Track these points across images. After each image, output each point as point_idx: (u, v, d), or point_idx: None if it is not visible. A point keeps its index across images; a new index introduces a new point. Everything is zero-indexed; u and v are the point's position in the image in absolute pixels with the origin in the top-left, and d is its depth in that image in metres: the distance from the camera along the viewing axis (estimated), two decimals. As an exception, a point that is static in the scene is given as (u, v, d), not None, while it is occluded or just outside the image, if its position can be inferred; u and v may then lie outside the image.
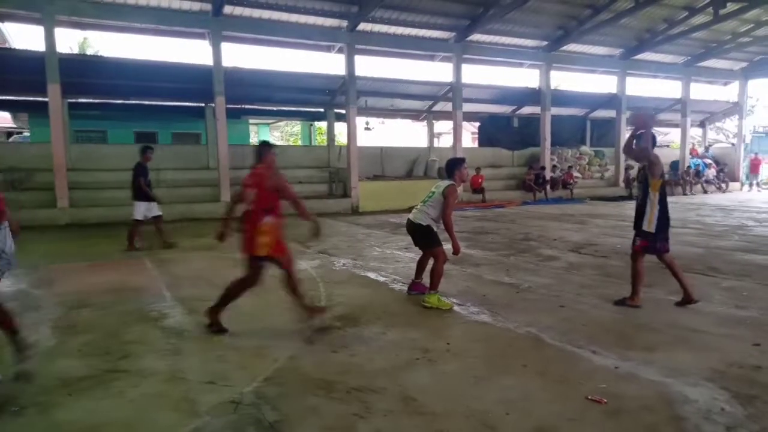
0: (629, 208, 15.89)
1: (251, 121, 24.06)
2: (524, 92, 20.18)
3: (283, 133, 38.92)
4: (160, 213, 8.85)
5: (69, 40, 29.30)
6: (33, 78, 12.58)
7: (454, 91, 17.53)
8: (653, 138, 5.22)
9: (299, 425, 2.86)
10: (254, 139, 27.06)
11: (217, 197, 14.27)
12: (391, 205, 15.23)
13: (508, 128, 22.07)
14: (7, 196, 7.57)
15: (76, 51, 25.28)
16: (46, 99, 12.32)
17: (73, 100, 15.80)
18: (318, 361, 3.79)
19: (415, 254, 8.06)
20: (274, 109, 20.35)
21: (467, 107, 18.80)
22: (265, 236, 4.20)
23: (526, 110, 21.96)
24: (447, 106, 19.17)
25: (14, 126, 25.22)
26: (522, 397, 3.20)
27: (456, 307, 5.11)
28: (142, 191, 8.62)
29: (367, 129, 21.50)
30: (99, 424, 2.90)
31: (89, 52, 25.81)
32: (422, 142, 24.14)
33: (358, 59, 15.63)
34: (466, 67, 17.60)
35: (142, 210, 8.63)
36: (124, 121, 18.83)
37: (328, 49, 16.07)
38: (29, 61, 12.86)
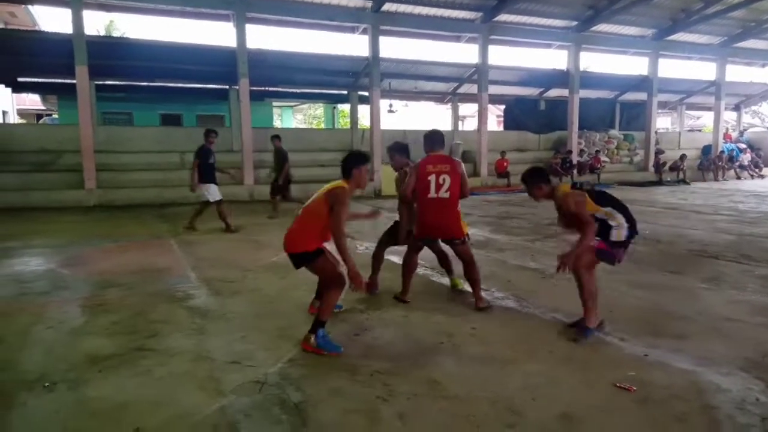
0: (659, 193, 15.57)
1: (274, 103, 24.09)
2: (552, 74, 19.76)
3: (306, 116, 38.97)
4: (220, 197, 8.91)
5: (96, 23, 29.56)
6: (61, 60, 12.77)
7: (479, 73, 17.25)
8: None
9: (323, 407, 2.86)
10: (277, 122, 27.14)
11: (240, 180, 14.36)
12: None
13: (535, 111, 21.67)
14: (37, 177, 7.66)
15: (102, 33, 25.54)
16: (74, 81, 12.49)
17: (101, 83, 16.01)
18: (341, 343, 3.78)
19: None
20: (298, 91, 20.32)
21: (493, 89, 18.50)
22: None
23: (554, 93, 21.53)
24: (472, 89, 18.89)
25: (44, 108, 25.72)
26: (548, 384, 3.15)
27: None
28: (210, 173, 8.71)
29: (391, 111, 21.36)
30: (127, 402, 2.94)
31: (115, 34, 26.05)
32: (446, 126, 23.89)
33: (383, 40, 15.47)
34: (492, 49, 17.29)
35: (214, 190, 8.73)
36: (150, 104, 19.03)
37: (353, 30, 15.93)
38: (57, 43, 13.03)
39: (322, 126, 30.41)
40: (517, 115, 21.79)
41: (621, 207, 3.94)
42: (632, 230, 3.90)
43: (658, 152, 20.52)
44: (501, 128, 26.01)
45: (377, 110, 15.76)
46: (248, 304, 4.73)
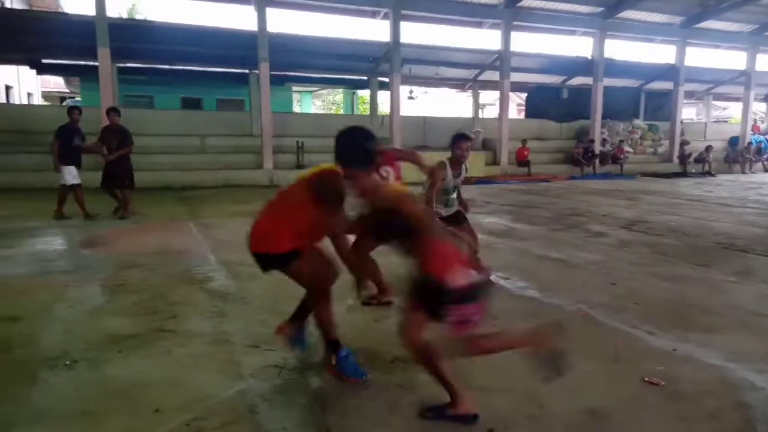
0: (684, 185, 15.24)
1: (294, 88, 24.03)
2: (575, 62, 19.37)
3: (325, 102, 38.87)
4: (78, 181, 8.31)
5: (119, 7, 29.72)
6: (84, 42, 12.83)
7: (501, 60, 16.98)
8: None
9: (343, 393, 2.82)
10: (297, 107, 27.12)
11: (260, 164, 14.38)
12: (433, 176, 15.00)
13: (557, 99, 21.32)
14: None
15: (125, 16, 25.66)
16: (96, 63, 12.54)
17: (123, 65, 16.08)
18: (361, 330, 3.74)
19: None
20: (317, 76, 20.24)
21: (514, 77, 18.21)
22: None
23: (577, 81, 21.13)
24: (493, 76, 18.61)
25: (67, 91, 26.01)
26: (572, 376, 3.05)
27: (502, 281, 4.97)
28: (72, 155, 8.21)
29: (411, 98, 21.18)
30: (146, 382, 2.93)
31: (138, 17, 26.16)
32: (466, 113, 23.65)
33: (403, 26, 15.28)
34: (514, 35, 17.00)
35: (72, 173, 8.23)
36: (171, 87, 19.10)
37: (373, 15, 15.77)
38: (80, 25, 13.09)
39: (341, 112, 30.30)
40: (539, 103, 21.47)
41: None
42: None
43: (684, 143, 20.06)
44: (522, 116, 25.68)
45: (397, 96, 15.62)
46: (267, 288, 4.69)
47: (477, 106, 22.62)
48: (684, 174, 18.60)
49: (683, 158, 19.39)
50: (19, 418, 2.54)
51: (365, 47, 17.03)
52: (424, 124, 19.16)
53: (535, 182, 15.66)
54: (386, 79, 16.96)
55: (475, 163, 16.37)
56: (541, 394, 2.82)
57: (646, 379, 2.98)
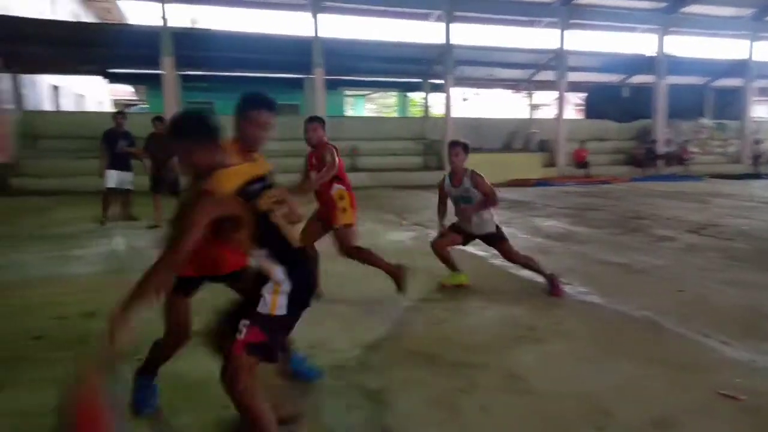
0: (757, 187, 14.39)
1: (347, 92, 24.32)
2: (636, 59, 18.70)
3: (378, 105, 39.09)
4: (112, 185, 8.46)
5: (182, 18, 30.93)
6: (149, 52, 13.45)
7: (558, 59, 16.61)
8: None
9: (402, 395, 2.82)
10: (349, 111, 27.41)
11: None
12: (488, 179, 14.82)
13: (617, 99, 20.62)
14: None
15: (187, 26, 26.73)
16: (161, 72, 13.13)
17: (185, 73, 16.75)
18: (418, 332, 3.74)
19: (517, 229, 7.80)
20: (370, 80, 20.40)
21: (572, 76, 17.78)
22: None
23: (637, 79, 20.35)
24: (550, 75, 18.21)
25: (135, 98, 27.33)
26: (639, 384, 2.95)
27: (563, 287, 4.84)
28: (112, 159, 8.35)
29: (465, 100, 21.02)
30: (212, 380, 2.99)
31: (199, 27, 27.17)
32: (520, 114, 23.24)
33: (456, 27, 15.19)
34: (571, 34, 16.57)
35: (109, 177, 8.41)
36: (230, 93, 19.43)
37: (426, 17, 15.76)
38: (146, 36, 13.73)
39: (395, 115, 30.41)
40: (598, 102, 20.85)
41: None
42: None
43: (756, 142, 18.96)
44: (579, 116, 24.99)
45: (450, 98, 15.54)
46: (325, 290, 4.76)
47: (532, 106, 22.18)
48: (756, 175, 17.58)
49: (755, 158, 18.33)
50: (98, 409, 2.67)
51: (418, 50, 17.04)
52: (478, 126, 18.95)
53: (595, 184, 15.19)
54: (439, 81, 16.89)
55: (532, 165, 16.08)
56: (607, 402, 2.74)
57: (722, 392, 2.83)
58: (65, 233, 7.49)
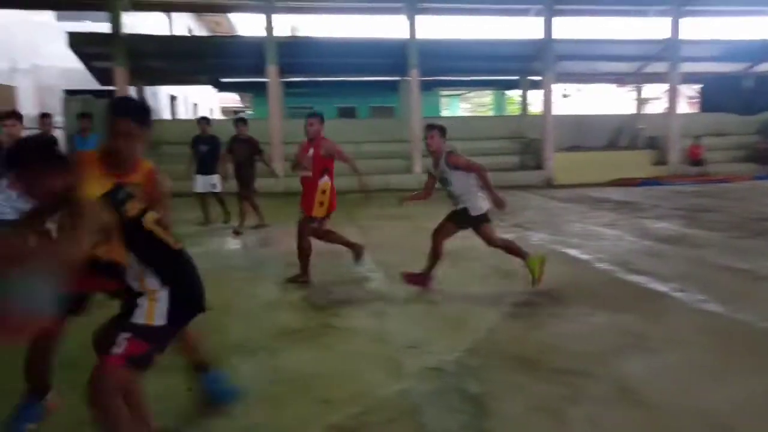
0: None
1: (442, 92, 24.26)
2: (760, 46, 16.94)
3: (473, 104, 38.62)
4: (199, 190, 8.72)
5: (283, 27, 32.46)
6: (255, 61, 14.22)
7: (669, 50, 15.47)
8: None
9: (504, 401, 2.76)
10: (445, 111, 27.31)
11: (410, 168, 14.72)
12: (589, 178, 14.16)
13: (738, 90, 18.82)
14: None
15: (288, 34, 28.02)
16: (265, 80, 13.85)
17: (287, 80, 17.56)
18: (519, 337, 3.64)
19: (623, 231, 7.39)
20: (465, 79, 20.22)
21: (685, 67, 16.43)
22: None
23: (763, 68, 18.45)
24: (660, 67, 16.99)
25: (241, 105, 29.08)
26: (767, 402, 2.69)
27: (677, 293, 4.51)
28: (197, 163, 8.66)
29: (565, 96, 20.21)
30: (315, 373, 3.14)
31: (299, 34, 28.35)
32: (626, 109, 21.92)
33: (557, 21, 14.62)
34: (685, 22, 15.37)
35: (197, 182, 8.69)
36: (328, 98, 20.41)
37: (524, 12, 15.34)
38: (252, 46, 14.54)
39: (490, 114, 29.90)
40: (716, 94, 19.16)
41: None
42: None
43: None
44: (694, 110, 23.13)
45: (550, 95, 15.00)
46: (423, 291, 4.79)
47: (640, 101, 20.84)
48: None
49: None
50: (214, 396, 2.87)
51: (516, 47, 16.61)
52: (580, 123, 18.12)
53: (712, 183, 13.98)
54: (538, 78, 16.37)
55: (640, 164, 15.12)
56: (730, 419, 2.52)
57: None
58: (182, 233, 8.08)
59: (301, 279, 5.10)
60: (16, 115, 5.35)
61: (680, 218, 8.52)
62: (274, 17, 13.91)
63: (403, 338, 3.66)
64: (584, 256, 6.00)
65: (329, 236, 5.32)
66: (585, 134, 17.89)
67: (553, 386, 2.89)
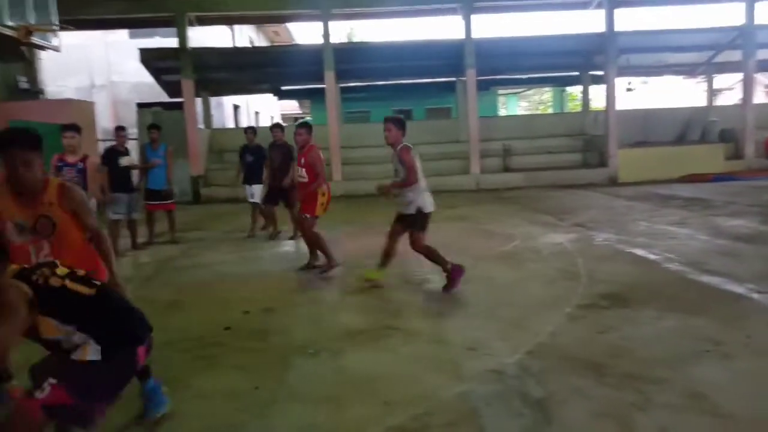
0: None
1: (500, 91, 23.89)
2: None
3: (532, 102, 37.81)
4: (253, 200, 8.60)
5: (339, 33, 32.96)
6: (313, 68, 14.55)
7: (744, 36, 14.58)
8: None
9: (567, 406, 2.70)
10: (503, 110, 26.90)
11: (466, 169, 14.59)
12: (656, 175, 13.53)
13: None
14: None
15: (345, 40, 28.44)
16: (323, 86, 14.13)
17: (344, 85, 17.83)
18: (582, 340, 3.55)
19: (694, 229, 7.04)
20: (523, 77, 19.83)
21: (762, 55, 15.44)
22: None
23: None
24: (733, 56, 16.03)
25: (299, 112, 29.78)
26: None
27: (754, 295, 4.26)
28: (246, 173, 8.60)
29: (629, 90, 19.43)
30: (376, 374, 3.19)
31: (355, 40, 28.73)
32: (695, 101, 20.82)
33: (619, 12, 14.10)
34: (761, 6, 14.45)
35: (249, 191, 8.69)
36: (385, 101, 20.53)
37: (584, 5, 14.87)
38: (309, 53, 14.92)
39: (550, 111, 29.18)
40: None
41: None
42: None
43: None
44: (772, 100, 21.67)
45: (613, 90, 14.48)
46: (481, 293, 4.76)
47: (711, 92, 19.75)
48: None
49: None
50: (279, 396, 2.97)
51: (575, 41, 16.16)
52: (645, 117, 17.38)
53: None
54: (600, 73, 15.84)
55: (712, 158, 14.32)
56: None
57: None
58: (245, 238, 8.37)
59: (315, 264, 5.83)
60: (75, 128, 5.73)
61: (757, 215, 8.01)
62: (331, 24, 14.17)
63: (461, 340, 3.64)
64: (652, 256, 5.75)
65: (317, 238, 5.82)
66: (652, 129, 17.13)
67: (620, 392, 2.80)
